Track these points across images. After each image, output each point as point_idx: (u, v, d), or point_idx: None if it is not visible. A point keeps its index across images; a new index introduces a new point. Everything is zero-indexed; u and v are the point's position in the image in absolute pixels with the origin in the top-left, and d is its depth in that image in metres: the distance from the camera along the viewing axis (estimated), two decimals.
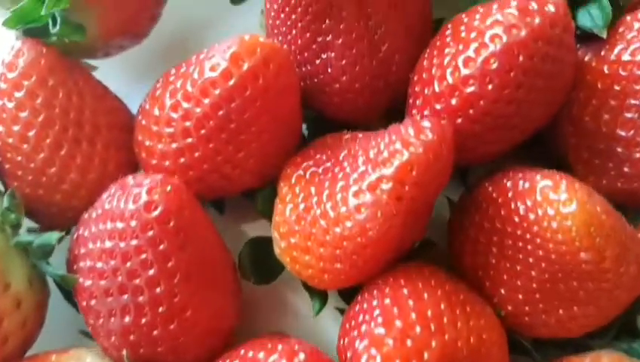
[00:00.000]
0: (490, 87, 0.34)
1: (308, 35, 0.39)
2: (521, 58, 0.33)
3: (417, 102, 0.38)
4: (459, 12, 0.44)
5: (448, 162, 0.33)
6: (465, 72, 0.34)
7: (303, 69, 0.40)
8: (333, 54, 0.39)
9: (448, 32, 0.38)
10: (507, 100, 0.34)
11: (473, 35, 0.35)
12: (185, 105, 0.37)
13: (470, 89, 0.34)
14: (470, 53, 0.34)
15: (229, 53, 0.35)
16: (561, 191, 0.31)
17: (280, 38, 0.40)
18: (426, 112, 0.37)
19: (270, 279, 0.40)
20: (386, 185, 0.32)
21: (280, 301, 0.42)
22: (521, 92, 0.34)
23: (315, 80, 0.40)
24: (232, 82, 0.35)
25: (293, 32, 0.39)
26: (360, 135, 0.39)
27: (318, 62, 0.40)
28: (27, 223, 0.40)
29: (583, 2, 0.39)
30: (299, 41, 0.39)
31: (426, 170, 0.32)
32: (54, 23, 0.38)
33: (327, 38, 0.39)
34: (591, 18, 0.38)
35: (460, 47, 0.35)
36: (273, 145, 0.39)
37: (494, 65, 0.33)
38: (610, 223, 0.31)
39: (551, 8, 0.33)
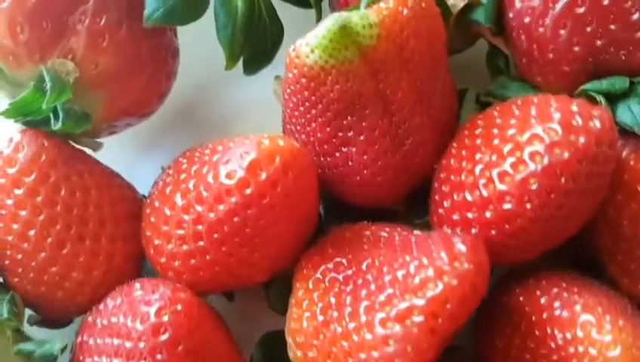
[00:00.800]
0: (528, 206, 0.31)
1: (328, 129, 0.36)
2: (563, 180, 0.31)
3: (445, 203, 0.35)
4: (482, 82, 0.43)
5: (484, 289, 0.31)
6: (501, 187, 0.32)
7: (322, 159, 0.38)
8: (354, 149, 0.37)
9: (478, 130, 0.35)
10: (546, 219, 0.32)
11: (509, 146, 0.32)
12: (198, 208, 0.34)
13: (507, 206, 0.32)
14: (506, 167, 0.32)
15: (246, 162, 0.33)
16: (605, 331, 0.29)
17: (298, 127, 0.38)
18: (455, 217, 0.35)
19: None
20: (417, 318, 0.30)
21: None
22: (561, 211, 0.32)
23: (335, 171, 0.38)
24: (249, 191, 0.33)
25: (313, 125, 0.37)
26: (383, 233, 0.36)
27: (338, 154, 0.37)
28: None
29: (623, 96, 0.36)
30: (318, 135, 0.37)
31: (462, 303, 0.30)
32: (56, 117, 0.35)
33: (349, 134, 0.36)
34: (632, 115, 0.36)
35: (494, 157, 0.33)
36: (289, 242, 0.37)
37: (534, 186, 0.31)
38: None
39: (597, 124, 0.31)
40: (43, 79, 0.35)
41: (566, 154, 0.30)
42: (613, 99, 0.37)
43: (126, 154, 0.46)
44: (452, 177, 0.35)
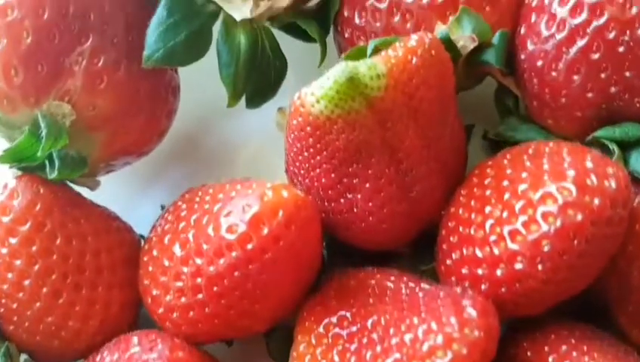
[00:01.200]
0: (540, 267, 0.30)
1: (333, 175, 0.35)
2: (576, 242, 0.30)
3: (454, 255, 0.34)
4: (490, 117, 0.41)
5: (494, 353, 0.30)
6: (512, 246, 0.31)
7: (326, 203, 0.37)
8: (359, 196, 0.35)
9: (488, 180, 0.34)
10: (557, 280, 0.31)
11: (521, 203, 0.31)
12: (197, 260, 0.33)
13: (518, 266, 0.31)
14: (518, 226, 0.31)
15: (248, 215, 0.32)
16: None
17: (301, 171, 0.36)
18: (464, 271, 0.34)
19: None
20: None
21: None
22: (573, 272, 0.31)
23: (339, 217, 0.37)
24: (250, 246, 0.32)
25: (317, 170, 0.35)
26: (389, 284, 0.35)
27: (342, 201, 0.36)
28: None
29: (636, 144, 0.35)
30: (322, 180, 0.36)
31: None
32: (52, 165, 0.34)
33: (354, 181, 0.35)
34: None
35: (505, 214, 0.32)
36: (292, 292, 0.36)
37: (546, 248, 0.30)
38: None
39: (612, 184, 0.30)
40: (38, 124, 0.34)
41: (579, 217, 0.29)
42: (627, 146, 0.36)
43: (124, 189, 0.45)
44: (461, 228, 0.34)
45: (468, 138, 0.40)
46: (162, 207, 0.40)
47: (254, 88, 0.40)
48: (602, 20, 0.34)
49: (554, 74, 0.36)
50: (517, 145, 0.38)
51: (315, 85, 0.32)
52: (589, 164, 0.31)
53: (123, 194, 0.44)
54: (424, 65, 0.33)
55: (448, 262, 0.35)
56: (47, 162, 0.34)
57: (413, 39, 0.33)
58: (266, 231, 0.31)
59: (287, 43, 0.41)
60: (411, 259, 0.40)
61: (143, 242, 0.39)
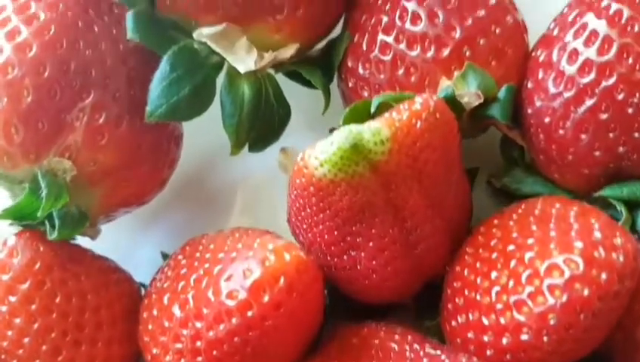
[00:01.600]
0: (545, 339, 0.30)
1: (336, 233, 0.35)
2: (582, 316, 0.29)
3: (459, 318, 0.34)
4: (493, 162, 0.41)
5: None
6: (518, 317, 0.30)
7: (328, 258, 0.36)
8: (363, 254, 0.35)
9: (494, 242, 0.34)
10: (563, 352, 0.30)
11: (527, 273, 0.31)
12: (197, 324, 0.33)
13: (524, 337, 0.30)
14: (524, 296, 0.30)
15: (249, 282, 0.31)
16: None
17: (304, 226, 0.36)
18: (469, 335, 0.33)
19: None
20: None
21: None
22: (578, 344, 0.30)
23: (342, 272, 0.36)
24: (250, 314, 0.31)
25: (320, 227, 0.35)
26: (393, 345, 0.35)
27: (345, 257, 0.36)
28: None
29: None
30: (325, 237, 0.35)
31: None
32: (52, 225, 0.33)
33: (357, 240, 0.34)
34: None
35: (511, 283, 0.31)
36: (292, 352, 0.35)
37: (552, 321, 0.29)
38: None
39: (620, 258, 0.29)
40: (39, 183, 0.33)
41: (586, 292, 0.29)
42: (634, 206, 0.35)
43: (125, 231, 0.44)
44: (466, 292, 0.34)
45: (472, 182, 0.40)
46: (163, 255, 0.40)
47: (257, 135, 0.40)
48: (611, 81, 0.33)
49: (561, 132, 0.35)
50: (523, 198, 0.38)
51: (318, 148, 0.32)
52: (597, 234, 0.30)
53: (124, 235, 0.44)
54: (429, 129, 0.32)
55: (454, 323, 0.34)
56: (47, 222, 0.34)
57: (418, 102, 0.32)
58: (266, 298, 0.31)
59: (291, 84, 0.41)
60: (415, 310, 0.40)
61: (142, 290, 0.39)
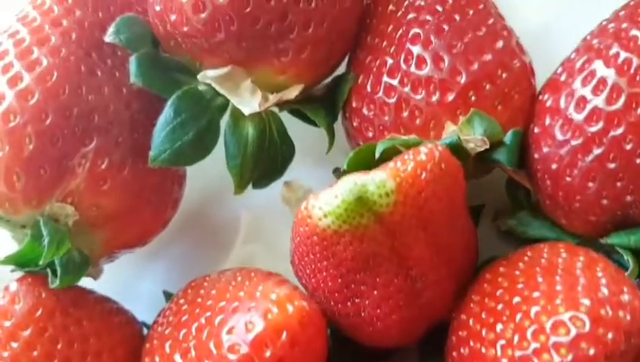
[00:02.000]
0: None
1: (339, 281, 0.34)
2: None
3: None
4: (498, 197, 0.41)
5: None
6: None
7: (332, 304, 0.36)
8: (367, 302, 0.35)
9: (500, 292, 0.33)
10: None
11: (533, 328, 0.30)
12: None
13: None
14: (529, 352, 0.30)
15: (251, 336, 0.31)
16: None
17: (307, 271, 0.36)
18: None
19: None
20: None
21: None
22: None
23: (346, 318, 0.36)
24: None
25: (323, 273, 0.35)
26: None
27: (349, 304, 0.35)
28: None
29: None
30: (329, 284, 0.35)
31: None
32: (54, 274, 0.33)
33: (362, 288, 0.34)
34: None
35: (517, 337, 0.31)
36: None
37: None
38: None
39: (627, 317, 0.29)
40: (40, 230, 0.33)
41: (592, 351, 0.28)
42: None
43: (126, 266, 0.44)
44: (471, 342, 0.33)
45: (477, 219, 0.39)
46: (165, 295, 0.40)
47: (261, 172, 0.40)
48: (620, 131, 0.33)
49: (568, 179, 0.35)
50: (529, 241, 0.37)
51: (322, 199, 0.31)
52: (604, 291, 0.30)
53: (125, 268, 0.43)
54: (434, 179, 0.32)
55: None
56: (49, 270, 0.34)
57: (423, 153, 0.32)
58: (268, 353, 0.31)
59: (294, 121, 0.41)
60: (418, 353, 0.39)
61: (145, 330, 0.39)
